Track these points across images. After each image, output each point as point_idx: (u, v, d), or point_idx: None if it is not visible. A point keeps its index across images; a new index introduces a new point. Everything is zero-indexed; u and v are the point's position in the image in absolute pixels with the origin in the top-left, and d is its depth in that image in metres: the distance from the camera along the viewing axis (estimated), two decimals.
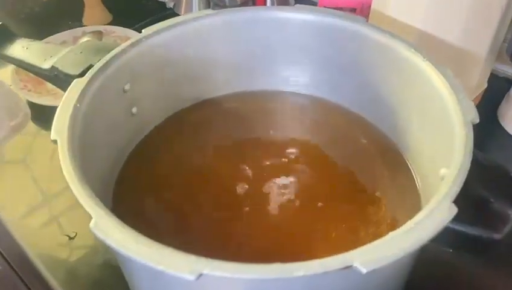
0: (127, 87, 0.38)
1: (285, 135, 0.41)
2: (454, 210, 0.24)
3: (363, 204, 0.35)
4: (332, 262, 0.22)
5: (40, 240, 0.44)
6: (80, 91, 0.33)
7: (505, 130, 0.52)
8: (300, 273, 0.22)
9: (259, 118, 0.43)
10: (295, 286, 0.24)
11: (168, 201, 0.37)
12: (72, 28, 0.67)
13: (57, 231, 0.44)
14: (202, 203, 0.36)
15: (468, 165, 0.26)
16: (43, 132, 0.54)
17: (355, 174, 0.38)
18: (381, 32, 0.37)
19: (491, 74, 0.54)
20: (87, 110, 0.32)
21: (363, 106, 0.41)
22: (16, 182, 0.49)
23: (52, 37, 0.65)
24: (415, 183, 0.36)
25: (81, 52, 0.38)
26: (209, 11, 0.40)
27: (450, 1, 0.43)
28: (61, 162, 0.27)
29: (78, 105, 0.32)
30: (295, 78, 0.43)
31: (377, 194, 0.36)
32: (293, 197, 0.36)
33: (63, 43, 0.65)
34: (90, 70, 0.34)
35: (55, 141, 0.29)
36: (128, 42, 0.37)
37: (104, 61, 0.35)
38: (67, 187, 0.26)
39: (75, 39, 0.65)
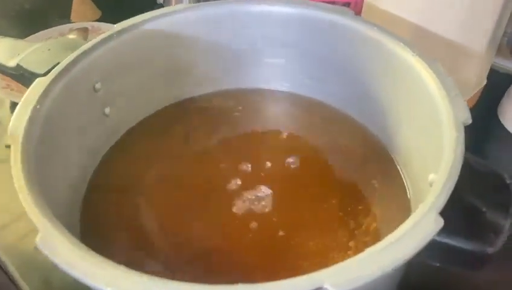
0: (98, 86, 0.35)
1: (268, 136, 0.39)
2: (440, 223, 0.22)
3: (349, 210, 0.33)
4: (300, 283, 0.20)
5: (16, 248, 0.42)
6: (41, 91, 0.30)
7: (506, 129, 0.50)
8: None
9: (241, 118, 0.40)
10: None
11: (142, 207, 0.34)
12: (60, 25, 0.65)
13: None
14: (178, 209, 0.34)
15: (457, 172, 0.24)
16: None
17: (341, 179, 0.35)
18: (369, 25, 0.35)
19: (491, 69, 0.52)
20: (49, 112, 0.30)
21: (351, 105, 0.38)
22: None
23: (37, 34, 0.63)
24: (405, 188, 0.33)
25: (48, 50, 0.36)
26: (186, 5, 0.38)
27: None
28: (12, 169, 0.25)
29: (38, 106, 0.29)
30: (278, 75, 0.41)
31: (365, 200, 0.33)
32: (274, 202, 0.34)
33: (49, 39, 0.63)
34: (55, 68, 0.32)
35: (9, 146, 0.27)
36: (98, 38, 0.35)
37: (71, 59, 0.33)
38: None
39: (62, 36, 0.63)
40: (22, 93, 0.55)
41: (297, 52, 0.39)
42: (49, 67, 0.34)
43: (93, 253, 0.21)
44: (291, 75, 0.41)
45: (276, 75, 0.42)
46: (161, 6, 0.68)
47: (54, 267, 0.37)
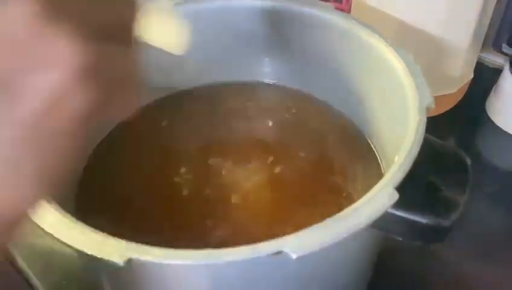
0: None
1: (254, 125, 0.41)
2: (395, 196, 0.24)
3: (327, 189, 0.35)
4: (262, 247, 0.22)
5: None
6: None
7: (493, 122, 0.51)
8: (229, 258, 0.22)
9: (230, 111, 0.42)
10: (229, 272, 0.24)
11: (131, 195, 0.36)
12: None
13: None
14: (166, 199, 0.36)
15: (415, 152, 0.26)
16: None
17: (320, 161, 0.37)
18: (345, 18, 0.36)
19: (480, 63, 0.53)
20: None
21: (332, 95, 0.40)
22: None
23: None
24: (381, 170, 0.35)
25: None
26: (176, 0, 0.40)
27: None
28: None
29: None
30: (265, 68, 0.43)
31: (342, 179, 0.35)
32: (258, 183, 0.36)
33: None
34: None
35: None
36: None
37: None
38: None
39: None
40: None
41: (280, 45, 0.41)
42: None
43: (79, 222, 0.24)
44: (275, 69, 0.43)
45: (260, 68, 0.43)
46: None
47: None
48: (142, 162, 0.39)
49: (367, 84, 0.36)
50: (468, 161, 0.27)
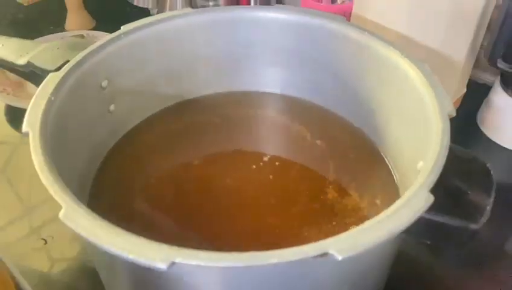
0: (104, 84, 0.37)
1: (265, 134, 0.41)
2: (430, 199, 0.24)
3: (341, 199, 0.35)
4: (307, 249, 0.22)
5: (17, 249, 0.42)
6: (55, 85, 0.32)
7: (485, 134, 0.53)
8: (275, 260, 0.21)
9: (240, 120, 0.42)
10: (272, 275, 0.23)
11: (143, 202, 0.36)
12: (54, 33, 0.66)
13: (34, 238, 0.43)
14: (177, 203, 0.36)
15: (445, 156, 0.26)
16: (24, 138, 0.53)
17: (333, 171, 0.37)
18: (360, 30, 0.37)
19: (472, 80, 0.55)
20: (61, 104, 0.32)
21: (344, 106, 0.41)
22: None
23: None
24: (394, 179, 0.36)
25: (58, 48, 0.37)
26: (189, 10, 0.40)
27: (428, 7, 0.44)
28: (32, 152, 0.27)
29: (52, 98, 0.31)
30: (276, 78, 0.43)
31: (355, 188, 0.36)
32: (272, 193, 0.36)
33: None
34: (66, 65, 0.34)
35: (26, 133, 0.28)
36: (107, 38, 0.37)
37: (81, 56, 0.35)
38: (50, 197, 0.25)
39: None
40: (17, 97, 0.57)
41: (292, 56, 0.42)
42: (59, 64, 0.35)
43: (113, 226, 0.23)
44: (287, 79, 0.43)
45: (271, 78, 0.44)
46: None
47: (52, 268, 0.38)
48: (149, 171, 0.39)
49: (380, 95, 0.37)
50: (489, 166, 0.28)
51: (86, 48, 0.36)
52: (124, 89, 0.39)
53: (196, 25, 0.41)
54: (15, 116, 0.56)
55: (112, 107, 0.39)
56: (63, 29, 0.69)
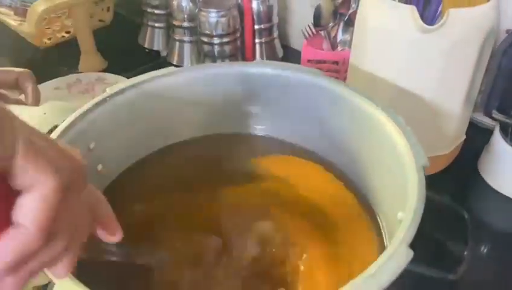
0: (92, 145, 0.38)
1: (250, 180, 0.42)
2: (410, 254, 0.25)
3: (328, 247, 0.36)
4: None
5: None
6: None
7: (486, 182, 0.52)
8: None
9: (222, 165, 0.44)
10: None
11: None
12: (68, 74, 0.68)
13: None
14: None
15: (421, 210, 0.28)
16: None
17: (318, 217, 0.38)
18: (336, 83, 0.39)
19: (472, 124, 0.54)
20: None
21: (328, 152, 0.42)
22: None
23: (45, 83, 0.65)
24: (379, 224, 0.37)
25: (44, 114, 0.38)
26: (173, 69, 0.42)
27: (421, 59, 0.44)
28: None
29: None
30: (260, 126, 0.45)
31: (341, 237, 0.37)
32: (259, 247, 0.37)
33: (57, 89, 0.66)
34: (53, 132, 0.35)
35: None
36: (93, 101, 0.38)
37: (68, 122, 0.36)
38: None
39: (69, 86, 0.67)
40: None
41: (276, 105, 0.44)
42: (47, 130, 0.36)
43: None
44: (270, 127, 0.45)
45: (253, 121, 0.46)
46: (164, 58, 0.73)
47: None
48: (141, 212, 0.39)
49: (358, 143, 0.39)
50: (466, 215, 0.30)
51: (73, 111, 0.37)
52: (111, 147, 0.40)
53: (180, 83, 0.42)
54: None
55: (99, 167, 0.39)
56: (76, 71, 0.71)
